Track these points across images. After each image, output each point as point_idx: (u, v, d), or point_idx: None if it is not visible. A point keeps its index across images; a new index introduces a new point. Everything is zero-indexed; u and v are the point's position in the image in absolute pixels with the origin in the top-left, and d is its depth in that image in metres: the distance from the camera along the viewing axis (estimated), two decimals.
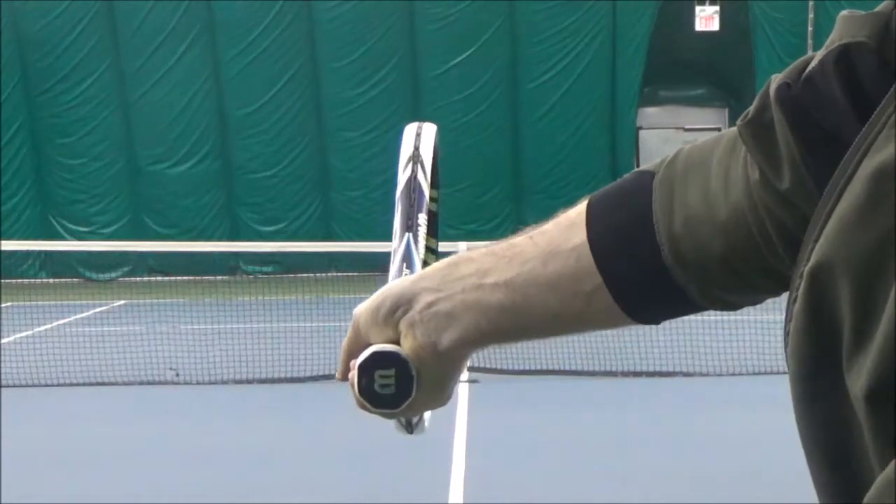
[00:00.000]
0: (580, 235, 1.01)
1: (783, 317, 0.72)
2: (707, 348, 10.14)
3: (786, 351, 0.72)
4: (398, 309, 1.04)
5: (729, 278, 0.98)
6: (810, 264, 0.68)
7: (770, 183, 0.91)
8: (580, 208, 1.03)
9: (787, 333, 0.71)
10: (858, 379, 0.62)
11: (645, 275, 0.99)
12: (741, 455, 6.95)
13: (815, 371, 0.69)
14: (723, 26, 19.60)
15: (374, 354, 1.03)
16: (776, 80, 0.90)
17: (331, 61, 19.82)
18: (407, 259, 1.18)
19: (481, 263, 1.03)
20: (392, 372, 1.02)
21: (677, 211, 0.97)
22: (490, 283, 1.01)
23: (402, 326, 1.04)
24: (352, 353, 1.09)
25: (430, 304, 1.02)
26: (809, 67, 0.86)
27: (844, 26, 0.83)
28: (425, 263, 1.14)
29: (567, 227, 1.02)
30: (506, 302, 1.01)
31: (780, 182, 0.90)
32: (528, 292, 1.01)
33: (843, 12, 0.84)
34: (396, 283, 1.07)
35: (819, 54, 0.85)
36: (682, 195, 0.98)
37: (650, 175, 1.01)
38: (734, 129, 0.95)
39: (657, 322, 1.05)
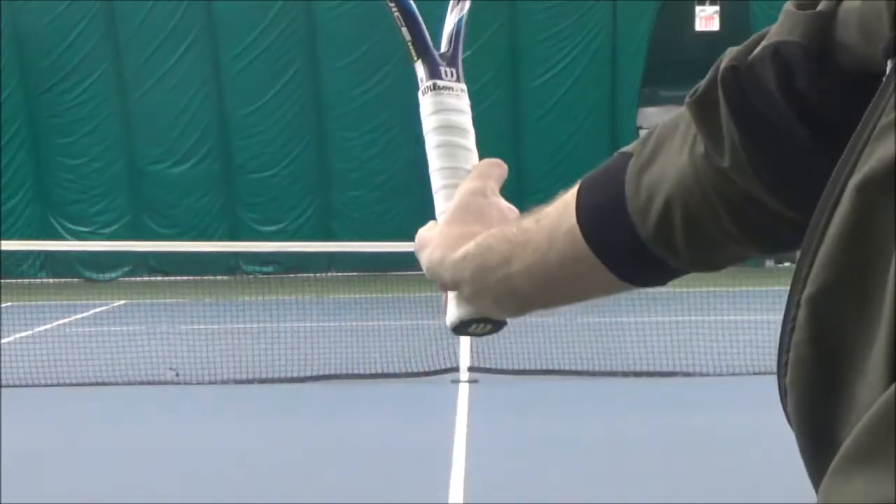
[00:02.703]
0: (572, 218, 1.07)
1: (780, 322, 0.70)
2: (707, 348, 10.14)
3: (781, 380, 0.70)
4: (449, 291, 1.20)
5: (695, 243, 1.01)
6: (807, 291, 0.67)
7: (712, 159, 0.94)
8: (574, 189, 1.10)
9: (784, 364, 0.69)
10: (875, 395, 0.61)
11: (629, 251, 1.04)
12: (741, 455, 6.95)
13: (825, 400, 0.66)
14: (723, 26, 19.60)
15: (461, 324, 1.18)
16: (727, 58, 0.91)
17: (331, 61, 19.82)
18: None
19: (502, 252, 1.12)
20: (481, 324, 1.19)
21: (643, 186, 1.02)
22: (514, 271, 1.11)
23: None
24: None
25: (473, 294, 1.16)
26: (755, 51, 0.87)
27: (783, 22, 0.84)
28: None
29: (563, 209, 1.09)
30: (535, 285, 1.11)
31: (721, 160, 0.93)
32: (547, 274, 1.10)
33: (788, 4, 0.85)
34: (439, 260, 1.18)
35: (767, 38, 0.86)
36: (649, 171, 1.02)
37: (629, 156, 1.06)
38: None
39: (663, 284, 1.11)
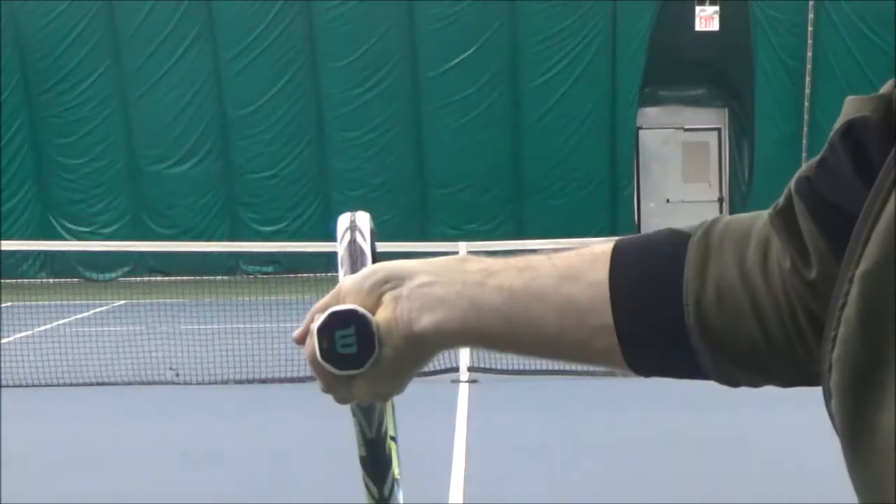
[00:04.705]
0: (602, 273, 0.98)
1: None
2: None
3: (828, 355, 0.71)
4: (389, 282, 1.02)
5: (748, 357, 0.96)
6: (863, 267, 0.68)
7: (800, 272, 0.90)
8: (605, 248, 1.01)
9: (832, 339, 0.70)
10: None
11: (661, 331, 0.96)
12: (742, 455, 6.95)
13: (868, 378, 0.67)
14: (723, 26, 19.60)
15: (333, 314, 1.00)
16: (797, 174, 0.90)
17: (331, 61, 19.82)
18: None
19: (491, 266, 1.01)
20: (352, 330, 0.99)
21: (710, 278, 0.95)
22: (494, 284, 0.99)
23: (386, 298, 1.02)
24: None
25: (423, 285, 1.00)
26: (822, 152, 0.87)
27: (849, 107, 0.85)
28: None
29: (590, 260, 1.00)
30: (503, 307, 0.99)
31: (808, 272, 0.89)
32: (530, 306, 0.98)
33: (849, 97, 0.86)
34: (395, 262, 1.05)
35: (833, 129, 0.86)
36: (717, 264, 0.96)
37: (685, 235, 0.99)
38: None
39: (646, 376, 1.01)
